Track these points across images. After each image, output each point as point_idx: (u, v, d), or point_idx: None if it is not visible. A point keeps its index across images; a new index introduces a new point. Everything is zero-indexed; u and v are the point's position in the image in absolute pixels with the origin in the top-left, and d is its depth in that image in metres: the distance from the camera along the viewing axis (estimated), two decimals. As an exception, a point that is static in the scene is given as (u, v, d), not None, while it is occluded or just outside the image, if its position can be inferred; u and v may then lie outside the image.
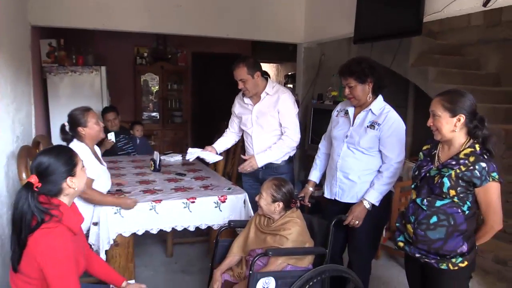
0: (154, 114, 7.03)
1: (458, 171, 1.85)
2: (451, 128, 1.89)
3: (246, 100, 3.09)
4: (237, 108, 3.22)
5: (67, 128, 2.71)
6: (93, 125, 2.73)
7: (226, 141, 3.31)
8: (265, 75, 3.07)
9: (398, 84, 4.98)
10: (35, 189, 1.63)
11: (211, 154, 3.14)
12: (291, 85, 7.82)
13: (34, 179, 1.64)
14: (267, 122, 3.01)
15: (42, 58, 4.82)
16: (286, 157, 3.06)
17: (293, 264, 2.21)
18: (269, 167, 3.05)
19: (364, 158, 2.45)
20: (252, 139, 3.08)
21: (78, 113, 2.73)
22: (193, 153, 3.11)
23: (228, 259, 2.40)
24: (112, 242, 2.58)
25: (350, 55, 4.73)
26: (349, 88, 2.43)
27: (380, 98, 2.46)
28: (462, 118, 1.87)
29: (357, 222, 2.39)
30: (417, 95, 5.12)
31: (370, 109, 2.43)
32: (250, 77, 2.93)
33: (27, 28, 4.05)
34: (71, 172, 1.72)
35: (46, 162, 1.67)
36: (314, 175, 2.81)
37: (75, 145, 2.65)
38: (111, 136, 4.10)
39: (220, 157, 3.23)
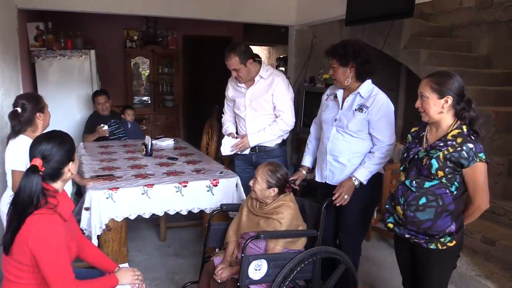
0: (145, 98, 6.96)
1: (446, 152, 1.87)
2: (439, 109, 1.90)
3: (239, 83, 3.07)
4: (230, 91, 3.20)
5: (25, 115, 2.42)
6: (47, 111, 2.53)
7: (233, 127, 3.25)
8: (257, 58, 3.04)
9: (390, 67, 4.98)
10: (40, 173, 1.65)
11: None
12: (282, 68, 7.78)
13: (38, 162, 1.65)
14: (260, 106, 2.99)
15: (30, 42, 4.74)
16: (279, 141, 3.07)
17: (288, 247, 2.23)
18: (262, 150, 3.06)
19: (353, 141, 2.46)
20: (245, 122, 3.07)
21: (36, 96, 2.52)
22: (226, 144, 3.05)
23: (228, 248, 2.40)
24: (104, 227, 2.59)
25: (342, 38, 4.71)
26: (333, 69, 2.46)
27: (368, 81, 2.46)
28: (450, 99, 1.88)
29: (346, 196, 2.41)
30: (408, 78, 5.12)
31: (358, 92, 2.44)
32: (243, 66, 2.91)
33: (13, 11, 3.98)
34: (72, 157, 1.76)
35: (51, 146, 1.69)
36: (307, 160, 2.82)
37: (23, 141, 2.41)
38: (105, 127, 4.12)
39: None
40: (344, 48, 2.38)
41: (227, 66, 2.94)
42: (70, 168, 1.75)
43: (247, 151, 3.06)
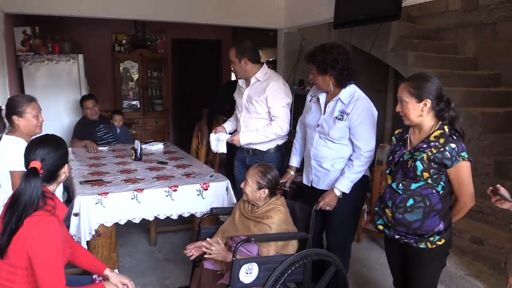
0: (134, 102, 6.93)
1: (429, 153, 1.89)
2: (418, 113, 1.93)
3: (241, 83, 3.10)
4: (236, 91, 3.24)
5: (2, 113, 2.54)
6: (31, 117, 2.53)
7: (230, 125, 3.26)
8: (259, 61, 3.04)
9: (378, 69, 5.02)
10: (40, 175, 1.66)
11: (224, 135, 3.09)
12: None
13: (37, 164, 1.67)
14: (253, 108, 2.99)
15: (17, 46, 4.70)
16: (273, 145, 3.05)
17: (279, 252, 2.22)
18: (255, 153, 3.06)
19: (336, 147, 2.47)
20: (240, 123, 3.08)
21: (18, 100, 2.56)
22: (218, 140, 3.03)
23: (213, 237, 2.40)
24: (93, 232, 2.57)
25: (330, 40, 4.73)
26: (312, 74, 2.47)
27: (349, 87, 2.43)
28: (428, 103, 1.90)
29: (327, 207, 2.43)
30: (396, 80, 5.16)
31: (339, 98, 2.43)
32: (237, 61, 2.97)
33: (-1, 16, 3.94)
34: (67, 160, 1.81)
35: (48, 150, 1.72)
36: (295, 160, 2.83)
37: (9, 140, 2.50)
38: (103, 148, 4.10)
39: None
40: (323, 55, 2.37)
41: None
42: (65, 171, 1.80)
43: (223, 148, 3.03)
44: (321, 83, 2.45)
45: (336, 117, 2.42)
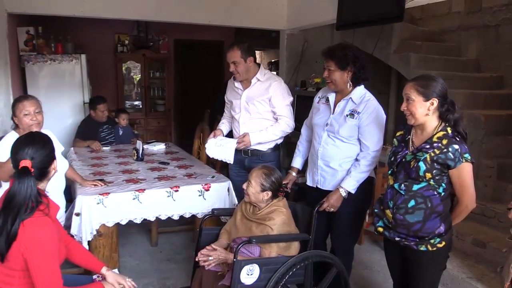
0: (136, 102, 6.94)
1: (432, 154, 1.89)
2: (425, 112, 1.93)
3: (237, 84, 3.05)
4: (228, 93, 3.20)
5: None
6: (22, 117, 2.52)
7: (226, 126, 3.24)
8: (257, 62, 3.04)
9: (380, 71, 5.02)
10: (32, 173, 1.65)
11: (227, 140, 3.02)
12: (274, 72, 7.80)
13: (28, 163, 1.65)
14: (255, 109, 2.98)
15: (20, 46, 4.71)
16: (272, 145, 3.05)
17: (281, 254, 2.22)
18: (255, 154, 3.04)
19: (344, 146, 2.46)
20: (239, 124, 3.05)
21: (14, 100, 2.62)
22: (222, 146, 2.97)
23: (219, 240, 2.40)
24: (95, 232, 2.57)
25: (332, 42, 4.73)
26: (329, 71, 2.45)
27: (361, 87, 2.46)
28: (435, 102, 1.91)
29: (332, 209, 2.42)
30: (399, 81, 5.16)
31: (350, 98, 2.43)
32: (243, 61, 2.91)
33: (3, 16, 3.95)
34: (54, 156, 1.79)
35: (36, 149, 1.70)
36: (297, 162, 2.82)
37: (8, 135, 2.58)
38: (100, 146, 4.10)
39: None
40: (343, 51, 2.39)
41: (227, 59, 2.95)
42: (54, 167, 1.79)
43: (231, 156, 2.98)
44: (339, 79, 2.43)
45: (346, 115, 2.42)
